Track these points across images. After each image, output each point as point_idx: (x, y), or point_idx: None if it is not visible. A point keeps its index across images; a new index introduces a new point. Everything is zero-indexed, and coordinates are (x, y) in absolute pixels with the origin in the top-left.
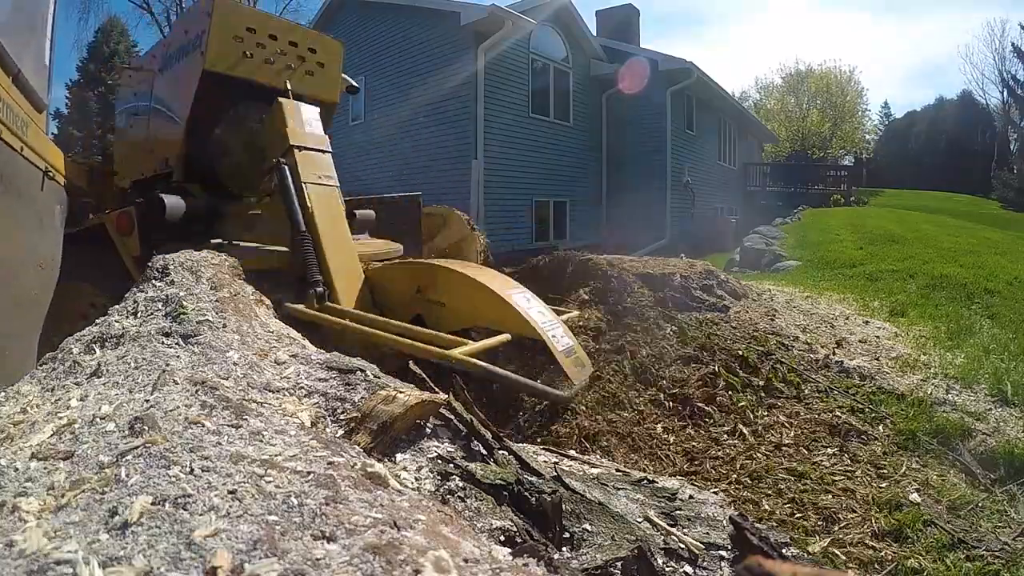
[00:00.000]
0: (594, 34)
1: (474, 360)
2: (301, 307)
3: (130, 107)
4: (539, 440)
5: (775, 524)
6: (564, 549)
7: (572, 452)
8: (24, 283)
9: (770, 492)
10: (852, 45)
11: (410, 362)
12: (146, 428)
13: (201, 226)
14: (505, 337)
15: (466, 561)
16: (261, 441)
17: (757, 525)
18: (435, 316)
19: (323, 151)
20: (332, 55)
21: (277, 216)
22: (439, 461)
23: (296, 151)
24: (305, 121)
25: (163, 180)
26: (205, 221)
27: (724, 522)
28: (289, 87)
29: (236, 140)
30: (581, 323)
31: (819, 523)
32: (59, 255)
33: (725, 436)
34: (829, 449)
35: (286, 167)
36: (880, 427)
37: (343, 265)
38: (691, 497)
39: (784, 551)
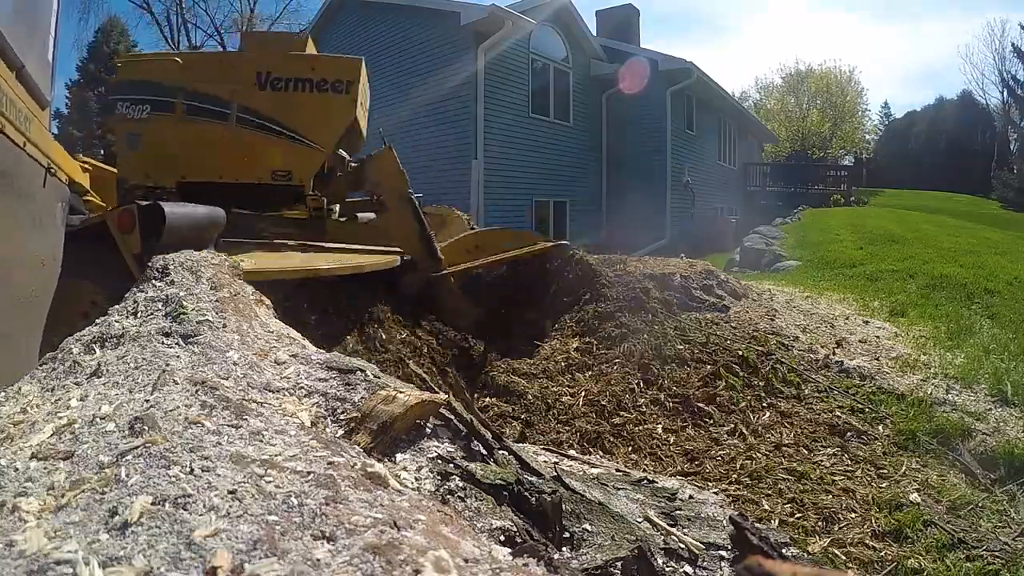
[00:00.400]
0: (594, 34)
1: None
2: (448, 269)
3: (180, 103)
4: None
5: (775, 524)
6: (564, 549)
7: (572, 452)
8: (25, 281)
9: (770, 492)
10: (852, 45)
11: (411, 361)
12: (146, 428)
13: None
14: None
15: (466, 561)
16: (261, 441)
17: (757, 525)
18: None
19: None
20: (368, 105)
21: (365, 228)
22: (439, 461)
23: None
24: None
25: (285, 189)
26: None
27: (724, 522)
28: (384, 139)
29: (339, 165)
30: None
31: (819, 523)
32: (60, 253)
33: (725, 436)
34: (829, 449)
35: (415, 201)
36: (880, 427)
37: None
38: (691, 497)
39: (784, 551)
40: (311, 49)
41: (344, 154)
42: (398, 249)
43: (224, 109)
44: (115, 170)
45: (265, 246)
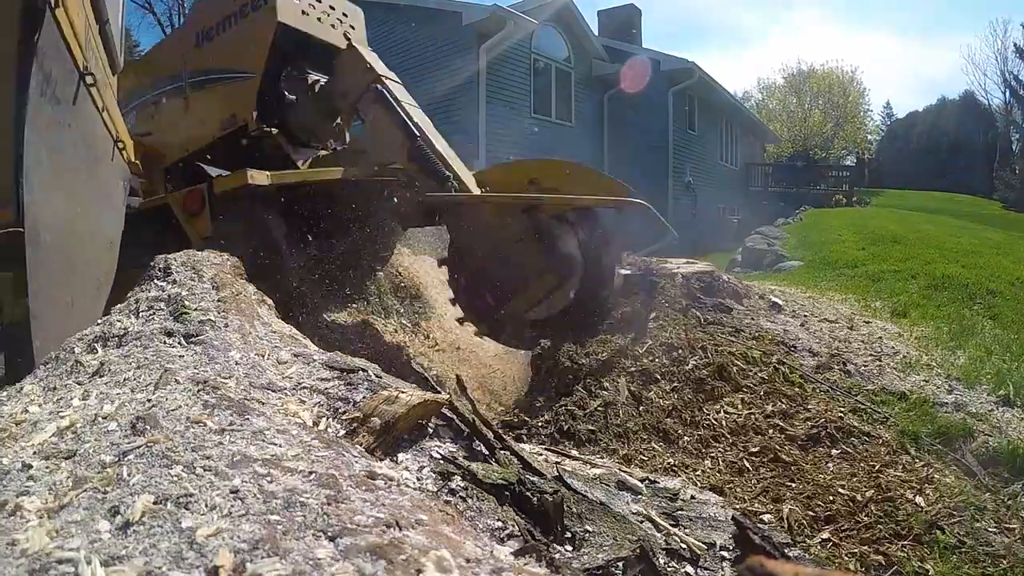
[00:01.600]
0: (596, 34)
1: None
2: (447, 195)
3: (160, 92)
4: None
5: (777, 523)
6: (566, 549)
7: (574, 452)
8: (100, 264)
9: (771, 492)
10: (854, 45)
11: (412, 361)
12: (148, 427)
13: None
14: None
15: (468, 561)
16: (263, 441)
17: (759, 525)
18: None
19: (400, 84)
20: (358, 21)
21: (352, 156)
22: (441, 461)
23: (386, 80)
24: (379, 60)
25: (232, 136)
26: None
27: (726, 522)
28: (348, 39)
29: (300, 91)
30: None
31: (821, 522)
32: (120, 236)
33: (727, 436)
34: (832, 450)
35: (384, 91)
36: (882, 427)
37: (459, 165)
38: (693, 497)
39: (787, 551)
40: None
41: (306, 78)
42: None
43: (179, 83)
44: (162, 151)
45: None
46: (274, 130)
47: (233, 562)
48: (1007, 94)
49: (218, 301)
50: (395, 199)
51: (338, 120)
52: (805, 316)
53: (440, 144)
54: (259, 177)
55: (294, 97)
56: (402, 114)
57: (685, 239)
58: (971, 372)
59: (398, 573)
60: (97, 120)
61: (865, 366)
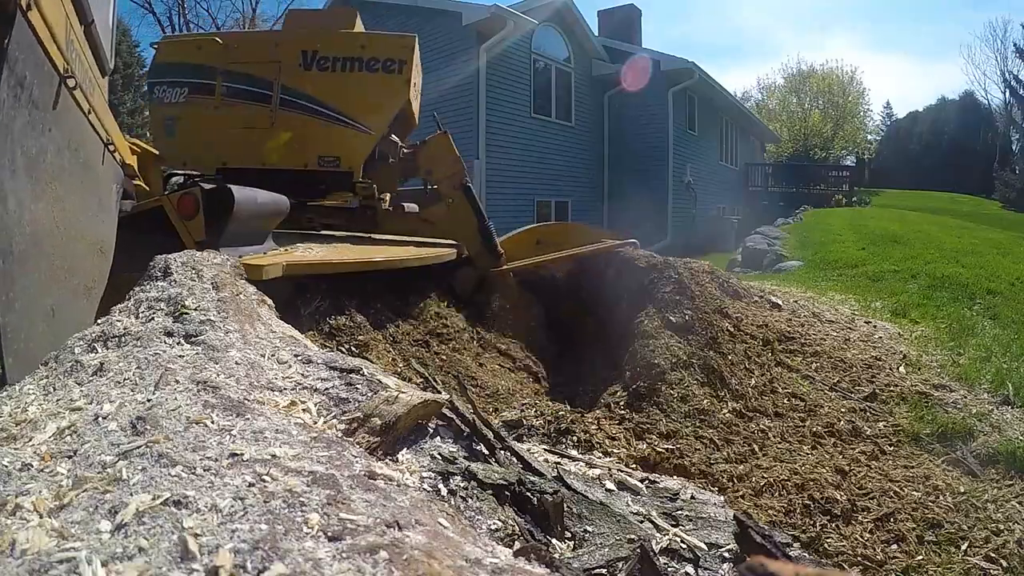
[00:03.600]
0: (596, 34)
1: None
2: (505, 266)
3: (220, 85)
4: None
5: (777, 522)
6: (566, 549)
7: (573, 452)
8: (87, 268)
9: (771, 491)
10: (854, 45)
11: (413, 360)
12: (148, 428)
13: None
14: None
15: (468, 561)
16: (263, 441)
17: (761, 524)
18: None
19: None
20: (420, 90)
21: (418, 220)
22: (441, 461)
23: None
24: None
25: (335, 176)
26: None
27: (726, 522)
28: (438, 122)
29: (392, 153)
30: None
31: (822, 522)
32: (113, 241)
33: (728, 437)
34: (831, 449)
35: (470, 184)
36: (882, 426)
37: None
38: (693, 497)
39: (788, 550)
40: (359, 27)
41: (396, 139)
42: (453, 242)
43: (266, 91)
44: (158, 152)
45: (312, 237)
46: (374, 185)
47: (233, 562)
48: (1007, 94)
49: (218, 301)
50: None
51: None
52: (805, 316)
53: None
54: (273, 272)
55: (388, 156)
56: (481, 209)
57: (685, 239)
58: (971, 372)
59: (398, 573)
60: (83, 123)
61: (865, 365)
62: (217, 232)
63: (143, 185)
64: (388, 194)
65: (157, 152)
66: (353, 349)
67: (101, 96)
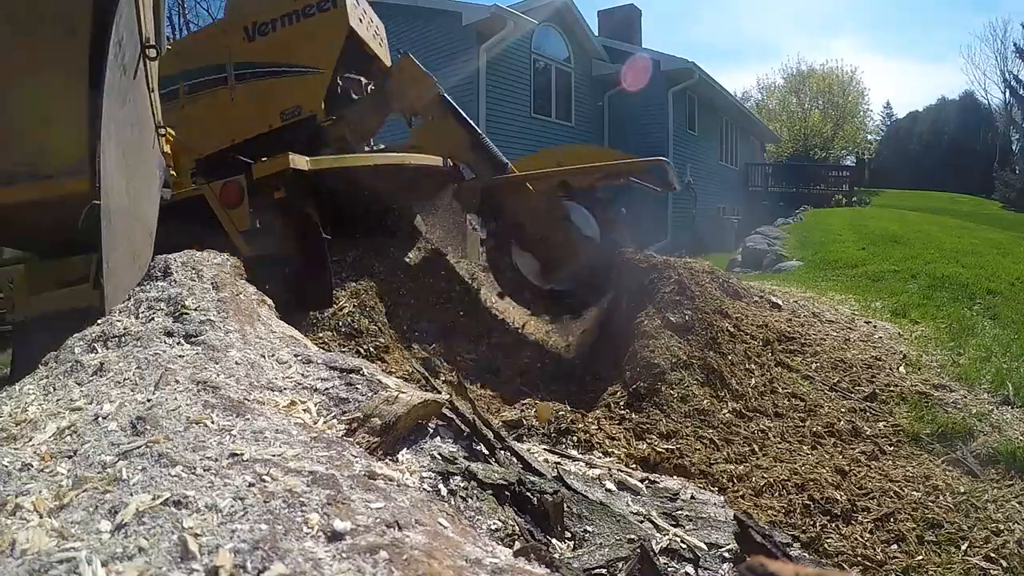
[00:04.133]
0: (596, 34)
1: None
2: (508, 176)
3: (195, 82)
4: None
5: (777, 522)
6: (566, 549)
7: (573, 452)
8: (142, 250)
9: (771, 491)
10: (854, 45)
11: (413, 360)
12: (148, 428)
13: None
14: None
15: (467, 561)
16: (263, 441)
17: (761, 524)
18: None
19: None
20: (384, 34)
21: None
22: (441, 461)
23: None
24: None
25: (299, 125)
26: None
27: (726, 522)
28: (405, 53)
29: (357, 91)
30: None
31: (822, 522)
32: (155, 226)
33: (728, 437)
34: (832, 449)
35: (448, 98)
36: (882, 426)
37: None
38: (693, 497)
39: (788, 550)
40: None
41: (359, 78)
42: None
43: (221, 74)
44: (193, 144)
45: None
46: (342, 121)
47: (233, 562)
48: (1007, 94)
49: (218, 301)
50: (459, 184)
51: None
52: (804, 316)
53: (489, 142)
54: (299, 161)
55: (352, 93)
56: (466, 117)
57: (685, 239)
58: (971, 372)
59: (398, 573)
60: (147, 101)
61: (865, 365)
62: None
63: (175, 174)
64: (365, 137)
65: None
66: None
67: (153, 77)
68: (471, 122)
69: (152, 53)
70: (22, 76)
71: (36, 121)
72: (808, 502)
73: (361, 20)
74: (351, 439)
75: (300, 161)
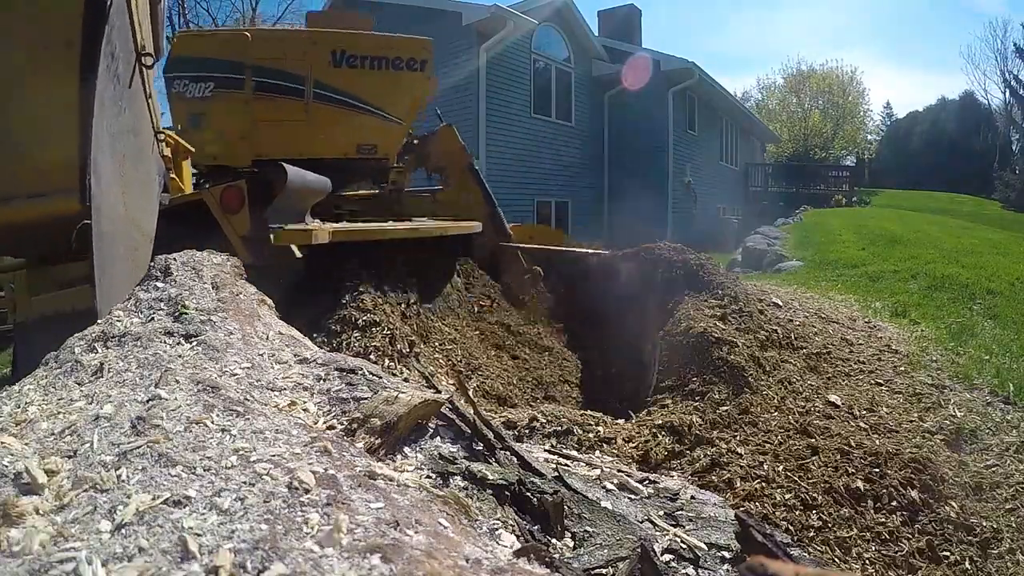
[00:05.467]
0: (596, 34)
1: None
2: (511, 244)
3: (249, 79)
4: None
5: (775, 523)
6: (566, 549)
7: (573, 452)
8: (141, 254)
9: (771, 491)
10: (854, 45)
11: (413, 359)
12: (148, 428)
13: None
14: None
15: (468, 561)
16: (263, 441)
17: (762, 523)
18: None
19: None
20: None
21: (432, 202)
22: (441, 461)
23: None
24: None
25: (372, 163)
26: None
27: (726, 522)
28: (439, 115)
29: (408, 142)
30: None
31: (821, 521)
32: (154, 232)
33: (729, 439)
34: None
35: (478, 169)
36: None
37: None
38: (693, 497)
39: (790, 550)
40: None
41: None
42: (476, 221)
43: (298, 85)
44: (192, 149)
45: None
46: (407, 169)
47: (233, 562)
48: (1007, 94)
49: (218, 301)
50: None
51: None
52: (804, 316)
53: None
54: (322, 235)
55: (407, 147)
56: (488, 188)
57: (685, 239)
58: (971, 371)
59: (398, 573)
60: (144, 108)
61: (865, 365)
62: (264, 207)
63: (176, 179)
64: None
65: (191, 148)
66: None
67: (151, 82)
68: (491, 192)
69: (149, 61)
70: (8, 91)
71: (23, 138)
72: (806, 500)
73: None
74: (351, 439)
75: (323, 235)
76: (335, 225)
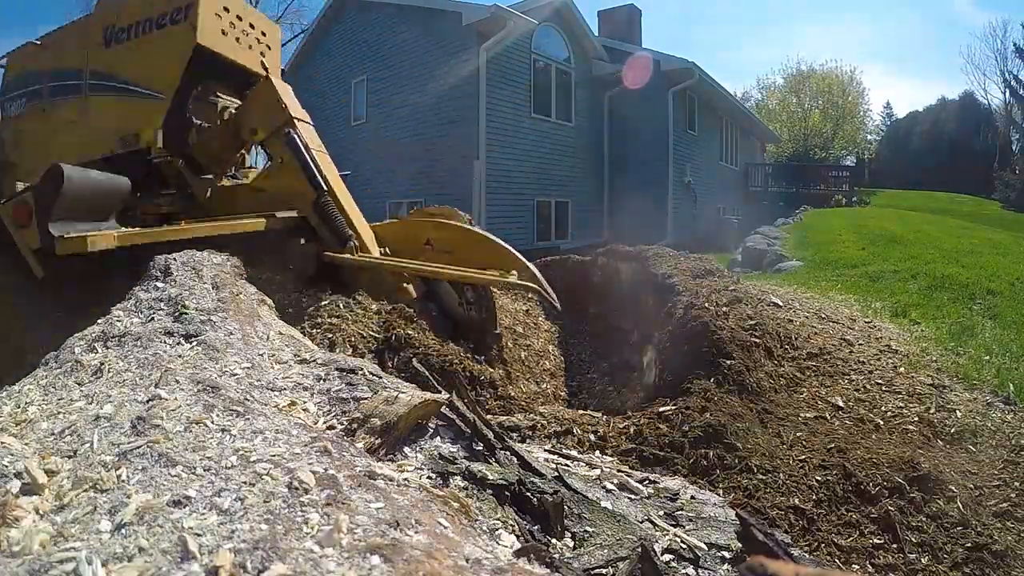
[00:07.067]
0: (596, 34)
1: (530, 277)
2: (347, 256)
3: (57, 85)
4: None
5: (775, 523)
6: (566, 549)
7: (573, 452)
8: None
9: (770, 491)
10: (854, 45)
11: (414, 360)
12: (148, 427)
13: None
14: (514, 274)
15: (468, 561)
16: (263, 441)
17: (763, 523)
18: (443, 262)
19: (312, 125)
20: (275, 40)
21: (251, 192)
22: (441, 461)
23: (297, 123)
24: (292, 97)
25: (132, 157)
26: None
27: (726, 522)
28: (266, 68)
29: (209, 116)
30: None
31: (822, 521)
32: None
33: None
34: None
35: (296, 136)
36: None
37: (360, 222)
38: (693, 497)
39: (791, 550)
40: None
41: (218, 104)
42: (292, 213)
43: (78, 81)
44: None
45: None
46: (179, 160)
47: (233, 562)
48: (1007, 94)
49: (218, 301)
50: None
51: (242, 150)
52: (804, 316)
53: (345, 199)
54: (101, 241)
55: (201, 123)
56: (311, 165)
57: (685, 239)
58: (971, 372)
59: (398, 573)
60: None
61: (864, 365)
62: (51, 236)
63: None
64: (218, 171)
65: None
66: None
67: None
68: (319, 175)
69: None
70: None
71: None
72: (805, 500)
73: (226, 32)
74: (351, 439)
75: (101, 241)
76: (126, 230)
